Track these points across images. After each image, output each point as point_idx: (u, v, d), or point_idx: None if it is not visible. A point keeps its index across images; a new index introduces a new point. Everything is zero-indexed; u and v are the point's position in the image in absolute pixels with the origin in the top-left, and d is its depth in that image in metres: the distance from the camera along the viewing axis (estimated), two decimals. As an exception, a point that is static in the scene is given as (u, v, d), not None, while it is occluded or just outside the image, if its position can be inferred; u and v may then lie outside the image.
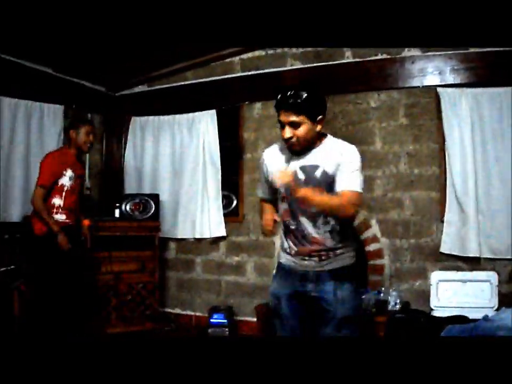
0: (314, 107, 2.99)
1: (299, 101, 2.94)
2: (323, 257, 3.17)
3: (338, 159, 3.05)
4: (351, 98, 5.58)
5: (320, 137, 3.12)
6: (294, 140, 3.00)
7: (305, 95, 2.94)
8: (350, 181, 2.99)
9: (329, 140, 3.16)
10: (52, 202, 5.01)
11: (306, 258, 3.20)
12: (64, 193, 5.05)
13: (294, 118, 2.95)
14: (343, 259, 3.18)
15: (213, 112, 6.24)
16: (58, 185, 5.01)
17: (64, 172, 5.02)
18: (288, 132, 2.98)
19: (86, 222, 5.37)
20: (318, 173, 3.09)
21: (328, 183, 3.08)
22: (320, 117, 3.02)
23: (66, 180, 5.04)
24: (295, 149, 3.09)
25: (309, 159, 3.11)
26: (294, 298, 3.25)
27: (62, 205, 5.04)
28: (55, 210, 5.01)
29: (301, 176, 3.10)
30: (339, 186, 3.01)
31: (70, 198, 5.10)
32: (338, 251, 3.18)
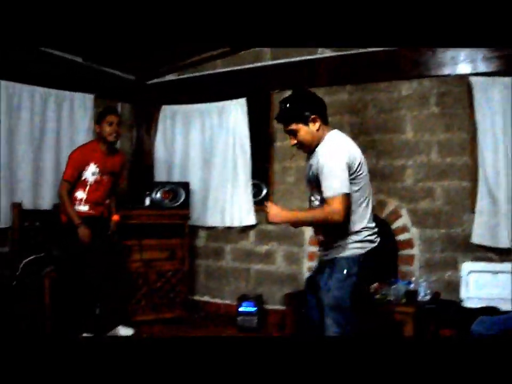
0: (297, 113, 3.33)
1: (282, 113, 3.40)
2: (327, 247, 3.42)
3: (318, 160, 3.28)
4: (383, 87, 5.53)
5: (324, 133, 3.37)
6: (298, 145, 3.42)
7: (287, 105, 3.37)
8: (327, 187, 3.17)
9: (326, 138, 3.36)
10: (75, 195, 5.10)
11: (319, 247, 3.57)
12: (88, 188, 5.13)
13: (288, 128, 3.37)
14: (340, 250, 3.32)
15: (243, 100, 6.23)
16: (82, 179, 5.10)
17: (87, 167, 5.09)
18: (291, 140, 3.42)
19: (115, 217, 5.42)
20: (310, 172, 3.41)
21: (316, 182, 3.31)
22: (310, 118, 3.31)
23: (89, 175, 5.10)
24: (305, 152, 3.50)
25: (311, 157, 3.42)
26: (311, 284, 3.60)
27: (85, 198, 5.13)
28: (77, 202, 5.10)
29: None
30: (323, 194, 3.22)
31: (95, 193, 5.17)
32: (337, 242, 3.33)
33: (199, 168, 6.56)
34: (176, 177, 6.62)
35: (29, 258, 5.16)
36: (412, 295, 4.84)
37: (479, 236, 5.00)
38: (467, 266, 4.95)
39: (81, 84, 6.01)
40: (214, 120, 6.45)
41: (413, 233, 5.36)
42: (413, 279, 5.10)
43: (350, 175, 3.23)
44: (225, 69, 6.36)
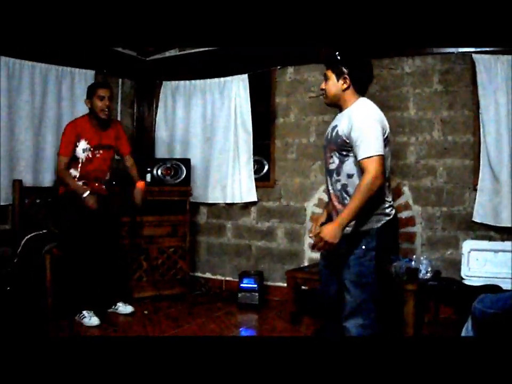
0: (336, 64, 3.33)
1: (329, 55, 3.41)
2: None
3: (349, 121, 3.21)
4: (385, 63, 5.48)
5: (353, 98, 3.33)
6: (323, 91, 3.42)
7: (336, 53, 3.35)
8: (365, 148, 3.10)
9: (357, 102, 3.32)
10: (69, 172, 5.06)
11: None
12: (80, 165, 5.07)
13: (325, 71, 3.40)
14: (357, 223, 3.22)
15: (245, 76, 6.18)
16: (74, 157, 5.05)
17: (77, 143, 5.03)
18: (322, 84, 3.42)
19: (140, 184, 5.41)
20: (333, 132, 3.32)
21: (338, 144, 3.26)
22: (343, 75, 3.30)
23: (80, 152, 5.04)
24: (325, 102, 3.49)
25: (337, 119, 3.40)
26: (327, 258, 3.52)
27: (78, 176, 5.09)
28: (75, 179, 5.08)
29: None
30: (357, 156, 3.13)
31: (88, 170, 5.12)
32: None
33: (200, 145, 6.53)
34: (178, 154, 6.60)
35: (30, 235, 5.14)
36: (413, 272, 4.84)
37: (480, 214, 4.99)
38: (468, 245, 4.95)
39: (82, 59, 5.96)
40: (216, 96, 6.41)
41: (415, 210, 5.35)
42: (414, 256, 5.09)
43: None
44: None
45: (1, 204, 5.25)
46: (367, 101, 3.35)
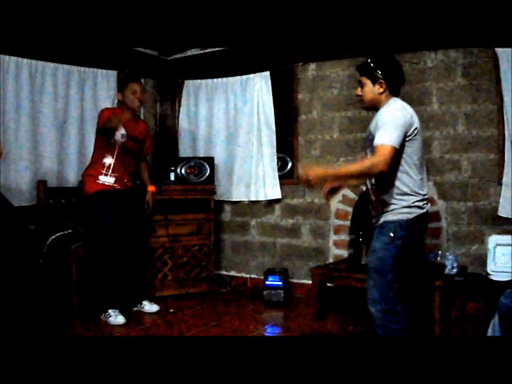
0: (370, 69, 3.48)
1: (362, 64, 3.57)
2: (377, 211, 3.48)
3: (377, 118, 3.39)
4: (408, 58, 5.44)
5: (388, 100, 3.46)
6: (360, 97, 3.57)
7: (369, 60, 3.51)
8: (379, 136, 3.25)
9: (389, 102, 3.44)
10: (103, 161, 5.07)
11: (371, 213, 3.60)
12: (116, 153, 5.09)
13: (359, 78, 3.55)
14: (389, 214, 3.39)
15: (267, 73, 6.19)
16: (111, 142, 5.06)
17: (118, 128, 5.04)
18: (357, 90, 3.58)
19: (151, 188, 5.45)
20: (370, 135, 3.45)
21: (371, 140, 3.38)
22: (378, 79, 3.44)
23: (118, 137, 5.07)
24: (362, 107, 3.72)
25: (373, 121, 3.47)
26: None
27: (113, 164, 5.09)
28: (104, 170, 5.08)
29: None
30: (374, 143, 3.29)
31: (123, 159, 5.14)
32: (386, 206, 3.40)
33: (223, 143, 6.54)
34: (201, 152, 6.62)
35: (55, 235, 5.19)
36: (438, 268, 4.81)
37: (505, 209, 4.93)
38: (494, 239, 4.89)
39: (104, 60, 6.00)
40: (238, 94, 6.41)
41: (440, 205, 5.31)
42: (440, 252, 5.06)
43: (407, 137, 3.30)
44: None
45: (26, 204, 5.29)
46: (398, 100, 3.48)
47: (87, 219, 5.21)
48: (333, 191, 3.75)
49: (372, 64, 3.49)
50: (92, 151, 5.24)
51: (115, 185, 5.11)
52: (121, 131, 5.06)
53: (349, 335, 4.62)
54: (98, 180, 5.04)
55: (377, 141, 3.24)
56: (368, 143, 3.52)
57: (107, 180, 5.07)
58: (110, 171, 5.08)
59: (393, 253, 3.33)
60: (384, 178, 3.35)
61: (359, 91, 3.57)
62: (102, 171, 5.05)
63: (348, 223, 5.77)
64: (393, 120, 3.27)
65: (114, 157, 5.08)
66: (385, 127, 3.25)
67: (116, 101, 5.87)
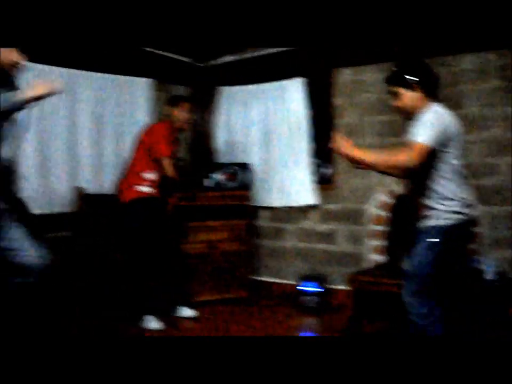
0: (401, 77, 3.46)
1: (390, 75, 3.56)
2: (418, 216, 3.50)
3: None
4: (443, 61, 5.37)
5: (426, 105, 3.42)
6: (397, 108, 3.55)
7: (395, 68, 3.54)
8: (412, 132, 3.26)
9: (428, 108, 3.39)
10: (144, 176, 5.14)
11: (412, 216, 3.65)
12: (159, 168, 5.16)
13: (391, 89, 3.53)
14: (430, 219, 3.39)
15: (302, 79, 6.18)
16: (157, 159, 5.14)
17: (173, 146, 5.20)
18: (393, 102, 3.54)
19: (171, 201, 5.49)
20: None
21: None
22: (411, 84, 3.42)
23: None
24: (403, 117, 3.63)
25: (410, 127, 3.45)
26: None
27: (155, 179, 5.17)
28: (145, 183, 5.13)
29: None
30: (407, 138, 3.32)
31: (164, 173, 5.19)
32: (426, 211, 3.41)
33: (259, 149, 6.55)
34: (237, 158, 6.63)
35: (91, 242, 5.25)
36: (477, 273, 4.74)
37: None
38: (534, 245, 4.81)
39: (140, 68, 6.07)
40: (273, 100, 6.42)
41: (479, 210, 5.22)
42: (479, 257, 4.98)
43: (446, 141, 3.29)
44: (283, 48, 6.25)
45: (63, 210, 5.35)
46: (436, 105, 3.43)
47: (123, 226, 5.26)
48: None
49: (401, 72, 3.49)
50: (130, 159, 5.29)
51: (153, 192, 5.17)
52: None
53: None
54: (135, 188, 5.11)
55: (411, 136, 3.25)
56: None
57: (145, 189, 5.13)
58: (150, 183, 5.14)
59: (431, 258, 3.33)
60: (424, 182, 3.36)
61: (396, 102, 3.54)
62: (142, 183, 5.13)
63: (384, 228, 5.72)
64: (430, 119, 3.26)
65: (157, 172, 5.15)
66: (421, 124, 3.25)
67: (152, 109, 5.95)
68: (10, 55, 3.18)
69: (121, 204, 5.17)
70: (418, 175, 3.37)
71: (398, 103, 3.52)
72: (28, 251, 3.34)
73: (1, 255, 3.29)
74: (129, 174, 5.20)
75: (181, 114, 5.22)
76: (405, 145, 3.30)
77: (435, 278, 3.35)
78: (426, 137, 3.19)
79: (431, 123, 3.24)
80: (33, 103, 3.10)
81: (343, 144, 3.46)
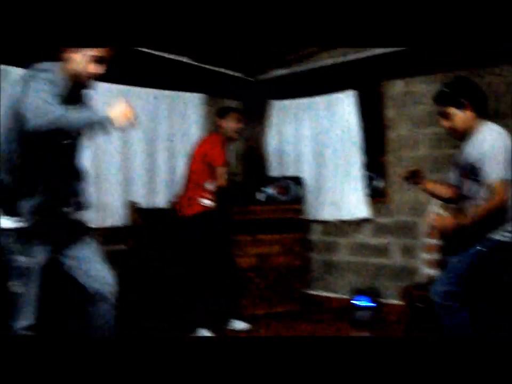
0: (453, 97, 3.43)
1: (439, 95, 3.53)
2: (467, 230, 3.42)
3: (477, 147, 3.34)
4: (498, 71, 5.26)
5: (478, 123, 3.43)
6: (448, 129, 3.53)
7: (445, 88, 3.50)
8: (491, 171, 3.23)
9: (485, 127, 3.41)
10: (205, 186, 5.17)
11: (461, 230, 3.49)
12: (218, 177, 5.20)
13: (442, 110, 3.50)
14: (481, 234, 3.37)
15: (353, 92, 6.15)
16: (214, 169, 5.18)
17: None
18: (443, 123, 3.52)
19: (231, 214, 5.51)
20: (465, 161, 3.46)
21: (468, 168, 3.41)
22: (464, 104, 3.40)
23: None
24: (455, 137, 3.60)
25: (466, 146, 3.47)
26: None
27: (213, 189, 5.20)
28: (206, 194, 5.16)
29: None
30: (484, 178, 3.29)
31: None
32: (478, 225, 3.35)
33: (311, 162, 6.53)
34: (289, 172, 6.62)
35: (144, 255, 5.31)
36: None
37: None
38: None
39: (191, 83, 6.13)
40: (324, 113, 6.40)
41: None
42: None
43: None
44: (332, 61, 6.25)
45: (117, 225, 5.43)
46: (492, 125, 3.44)
47: (182, 239, 5.31)
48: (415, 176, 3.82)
49: (452, 92, 3.46)
50: (187, 174, 5.34)
51: (212, 206, 5.21)
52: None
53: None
54: (198, 202, 5.15)
55: (490, 176, 3.24)
56: (459, 170, 3.54)
57: (207, 202, 5.17)
58: (211, 194, 5.19)
59: (474, 266, 3.36)
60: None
61: (446, 123, 3.51)
62: (203, 194, 5.16)
63: (439, 241, 5.61)
64: (499, 151, 3.26)
65: (217, 182, 5.19)
66: (494, 160, 3.24)
67: (204, 124, 6.01)
68: (87, 64, 3.03)
69: (182, 217, 5.23)
70: (475, 201, 3.41)
71: (449, 124, 3.49)
72: (98, 274, 3.22)
73: (69, 275, 3.22)
74: (190, 187, 5.25)
75: (229, 124, 5.27)
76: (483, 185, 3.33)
77: (471, 285, 3.38)
78: (501, 172, 3.21)
79: (499, 153, 3.25)
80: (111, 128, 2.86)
81: (445, 222, 3.51)
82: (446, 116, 3.49)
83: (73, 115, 2.78)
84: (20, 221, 2.91)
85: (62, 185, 3.12)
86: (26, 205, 2.91)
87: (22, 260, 2.92)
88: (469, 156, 3.41)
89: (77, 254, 3.20)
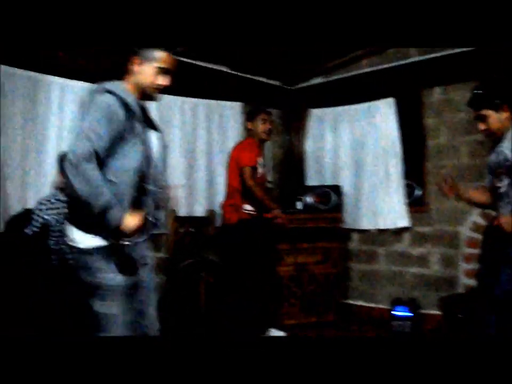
0: (488, 99, 3.38)
1: (474, 98, 3.49)
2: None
3: None
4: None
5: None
6: (485, 132, 3.47)
7: (479, 91, 3.46)
8: None
9: None
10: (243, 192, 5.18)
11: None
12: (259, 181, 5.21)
13: (478, 113, 3.45)
14: None
15: (392, 100, 6.09)
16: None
17: (258, 159, 5.22)
18: (479, 126, 3.48)
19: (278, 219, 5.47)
20: (501, 157, 3.42)
21: (507, 166, 3.35)
22: (500, 105, 3.35)
23: (260, 168, 5.27)
24: (492, 139, 3.56)
25: (502, 144, 3.44)
26: None
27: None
28: (248, 200, 5.17)
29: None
30: None
31: (261, 187, 5.24)
32: None
33: (350, 171, 6.49)
34: (328, 181, 6.59)
35: (184, 263, 5.34)
36: None
37: None
38: None
39: (229, 92, 6.17)
40: (363, 121, 6.36)
41: None
42: None
43: None
44: (371, 69, 6.23)
45: (157, 233, 5.46)
46: None
47: (225, 247, 5.33)
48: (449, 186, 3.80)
49: (488, 93, 3.41)
50: (227, 180, 5.35)
51: (254, 212, 5.21)
52: (260, 161, 5.26)
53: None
54: (241, 208, 5.16)
55: None
56: (497, 170, 3.46)
57: (249, 208, 5.18)
58: (252, 200, 5.18)
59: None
60: None
61: (483, 126, 3.45)
62: (243, 200, 5.17)
63: (479, 251, 5.51)
64: None
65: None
66: None
67: (242, 133, 6.02)
68: (155, 76, 2.97)
69: (225, 225, 5.27)
70: None
71: (486, 126, 3.43)
72: (148, 319, 3.02)
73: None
74: (230, 194, 5.27)
75: (258, 126, 5.24)
76: None
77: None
78: None
79: None
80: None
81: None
82: (482, 119, 3.44)
83: (95, 183, 2.64)
84: (105, 238, 2.79)
85: (149, 202, 3.00)
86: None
87: (110, 276, 2.78)
88: (506, 156, 3.36)
89: (144, 280, 3.03)
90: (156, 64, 2.92)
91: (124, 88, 2.89)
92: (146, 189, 2.93)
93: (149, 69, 2.93)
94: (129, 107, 2.80)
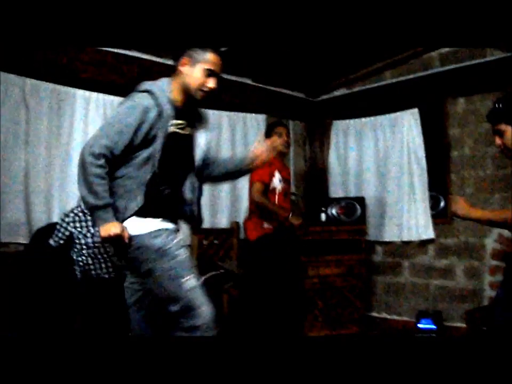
0: (507, 114, 3.16)
1: (492, 112, 3.25)
2: None
3: None
4: None
5: None
6: (502, 147, 3.22)
7: (498, 105, 3.22)
8: None
9: None
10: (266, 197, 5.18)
11: None
12: (276, 196, 5.21)
13: (496, 127, 3.22)
14: None
15: (415, 110, 6.06)
16: (271, 189, 5.19)
17: (275, 172, 5.21)
18: (496, 140, 3.25)
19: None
20: None
21: None
22: None
23: (277, 182, 5.24)
24: (508, 156, 3.31)
25: None
26: None
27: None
28: (268, 217, 5.18)
29: None
30: None
31: (284, 202, 5.26)
32: None
33: (374, 182, 6.47)
34: (352, 192, 6.58)
35: (208, 275, 5.35)
36: None
37: None
38: None
39: (253, 104, 6.20)
40: (387, 132, 6.33)
41: None
42: None
43: None
44: (394, 80, 6.23)
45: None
46: None
47: (250, 263, 5.37)
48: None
49: (504, 107, 3.23)
50: (247, 195, 5.40)
51: (275, 227, 5.22)
52: (278, 176, 5.23)
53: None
54: (261, 226, 5.19)
55: None
56: None
57: (268, 225, 5.20)
58: (272, 216, 5.19)
59: None
60: None
61: (499, 141, 3.27)
62: (264, 216, 5.18)
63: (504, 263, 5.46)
64: None
65: (276, 200, 5.21)
66: None
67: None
68: (203, 78, 3.01)
69: (247, 240, 5.30)
70: None
71: (504, 141, 3.26)
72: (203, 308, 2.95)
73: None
74: (250, 211, 5.32)
75: (275, 139, 5.21)
76: None
77: None
78: None
79: None
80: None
81: (461, 207, 3.34)
82: (500, 133, 3.30)
83: (94, 181, 2.76)
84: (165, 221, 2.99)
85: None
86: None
87: (183, 252, 2.95)
88: None
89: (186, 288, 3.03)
90: (206, 66, 2.96)
91: (166, 89, 2.96)
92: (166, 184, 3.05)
93: (200, 71, 2.96)
94: (162, 108, 2.87)
